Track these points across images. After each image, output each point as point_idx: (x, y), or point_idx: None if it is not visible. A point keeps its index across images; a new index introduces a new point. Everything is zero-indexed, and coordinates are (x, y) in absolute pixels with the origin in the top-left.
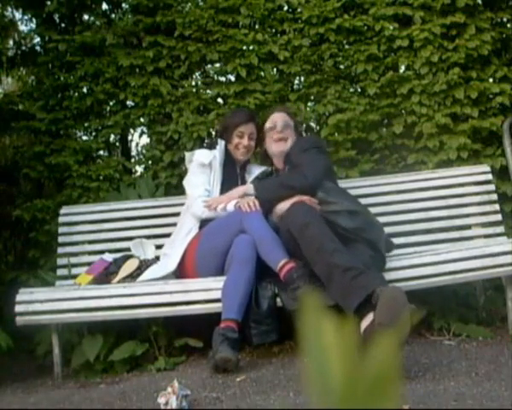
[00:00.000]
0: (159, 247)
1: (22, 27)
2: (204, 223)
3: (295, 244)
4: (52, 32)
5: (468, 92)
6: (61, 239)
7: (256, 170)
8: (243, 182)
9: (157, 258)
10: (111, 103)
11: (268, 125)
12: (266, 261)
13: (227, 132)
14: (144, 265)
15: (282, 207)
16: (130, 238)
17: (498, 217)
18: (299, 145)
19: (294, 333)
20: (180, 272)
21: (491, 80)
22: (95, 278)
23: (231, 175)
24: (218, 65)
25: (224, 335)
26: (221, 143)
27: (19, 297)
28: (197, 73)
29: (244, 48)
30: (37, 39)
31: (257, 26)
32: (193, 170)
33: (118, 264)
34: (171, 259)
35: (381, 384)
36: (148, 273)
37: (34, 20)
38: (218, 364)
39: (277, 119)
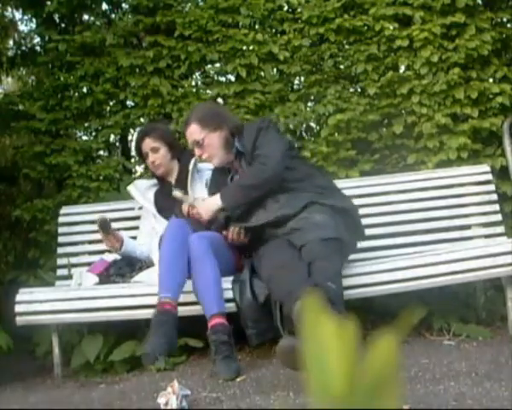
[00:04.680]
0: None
1: (22, 27)
2: None
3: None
4: (52, 32)
5: (468, 92)
6: (60, 239)
7: (205, 167)
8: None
9: None
10: (111, 103)
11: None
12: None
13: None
14: (144, 266)
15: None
16: (131, 238)
17: (498, 217)
18: (247, 137)
19: (294, 333)
20: None
21: (491, 80)
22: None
23: (166, 196)
24: (218, 65)
25: (216, 341)
26: (136, 186)
27: (19, 297)
28: (197, 73)
29: (244, 48)
30: (37, 39)
31: (257, 26)
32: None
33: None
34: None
35: (381, 384)
36: (144, 277)
37: (34, 20)
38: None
39: (189, 139)
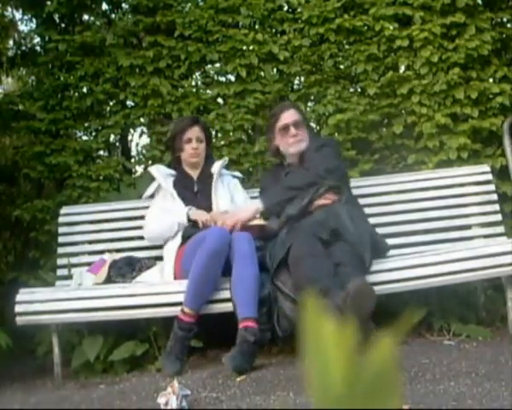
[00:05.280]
0: (159, 247)
1: (22, 27)
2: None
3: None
4: (52, 32)
5: (468, 92)
6: (61, 239)
7: (226, 173)
8: (205, 192)
9: (156, 258)
10: (111, 103)
11: (279, 124)
12: (233, 302)
13: (175, 141)
14: (145, 266)
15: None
16: (131, 238)
17: (498, 217)
18: (314, 144)
19: (294, 334)
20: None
21: (491, 80)
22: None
23: (188, 193)
24: (218, 65)
25: (243, 337)
26: (158, 168)
27: (19, 297)
28: (197, 73)
29: (244, 48)
30: (37, 39)
31: (257, 26)
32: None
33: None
34: (165, 270)
35: (380, 384)
36: (146, 278)
37: (34, 20)
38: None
39: (288, 118)
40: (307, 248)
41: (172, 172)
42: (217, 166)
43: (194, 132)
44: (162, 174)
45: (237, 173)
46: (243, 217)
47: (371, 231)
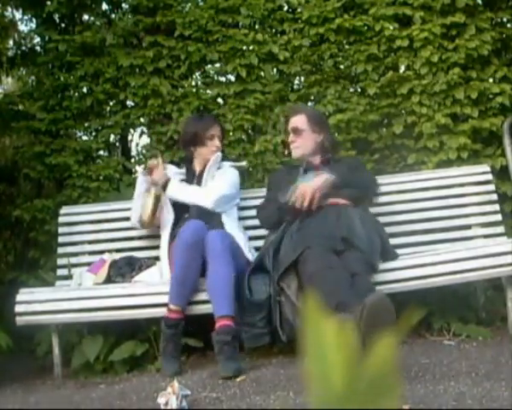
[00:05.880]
0: (159, 247)
1: (22, 27)
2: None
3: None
4: (52, 32)
5: (468, 92)
6: (61, 239)
7: (227, 165)
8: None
9: (156, 258)
10: (111, 103)
11: (288, 126)
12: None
13: (197, 138)
14: (144, 266)
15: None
16: (131, 238)
17: (498, 217)
18: (348, 162)
19: (294, 334)
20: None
21: (491, 80)
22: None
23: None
24: (218, 65)
25: (219, 342)
26: (168, 169)
27: (19, 297)
28: (197, 73)
29: (244, 48)
30: (37, 39)
31: (257, 26)
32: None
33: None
34: (163, 270)
35: (380, 384)
36: (146, 277)
37: (34, 20)
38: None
39: (290, 124)
40: (323, 262)
41: (182, 170)
42: (212, 159)
43: (216, 131)
44: (171, 174)
45: (243, 163)
46: (318, 187)
47: (382, 236)
